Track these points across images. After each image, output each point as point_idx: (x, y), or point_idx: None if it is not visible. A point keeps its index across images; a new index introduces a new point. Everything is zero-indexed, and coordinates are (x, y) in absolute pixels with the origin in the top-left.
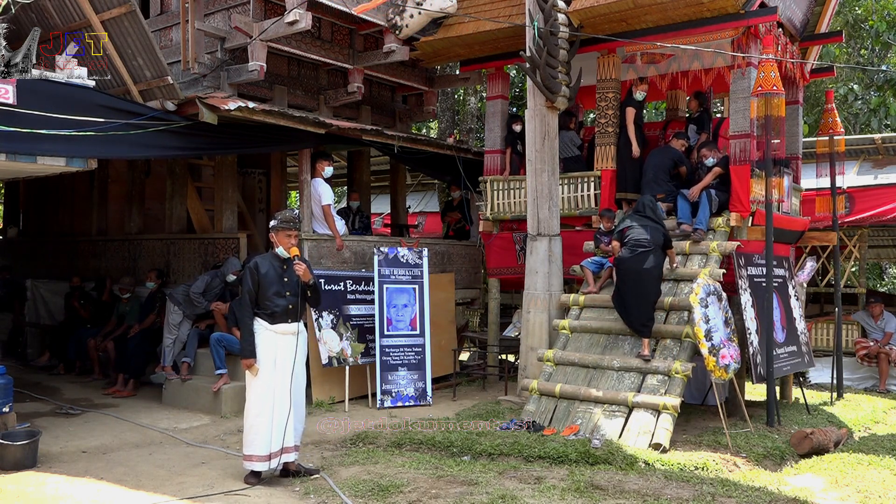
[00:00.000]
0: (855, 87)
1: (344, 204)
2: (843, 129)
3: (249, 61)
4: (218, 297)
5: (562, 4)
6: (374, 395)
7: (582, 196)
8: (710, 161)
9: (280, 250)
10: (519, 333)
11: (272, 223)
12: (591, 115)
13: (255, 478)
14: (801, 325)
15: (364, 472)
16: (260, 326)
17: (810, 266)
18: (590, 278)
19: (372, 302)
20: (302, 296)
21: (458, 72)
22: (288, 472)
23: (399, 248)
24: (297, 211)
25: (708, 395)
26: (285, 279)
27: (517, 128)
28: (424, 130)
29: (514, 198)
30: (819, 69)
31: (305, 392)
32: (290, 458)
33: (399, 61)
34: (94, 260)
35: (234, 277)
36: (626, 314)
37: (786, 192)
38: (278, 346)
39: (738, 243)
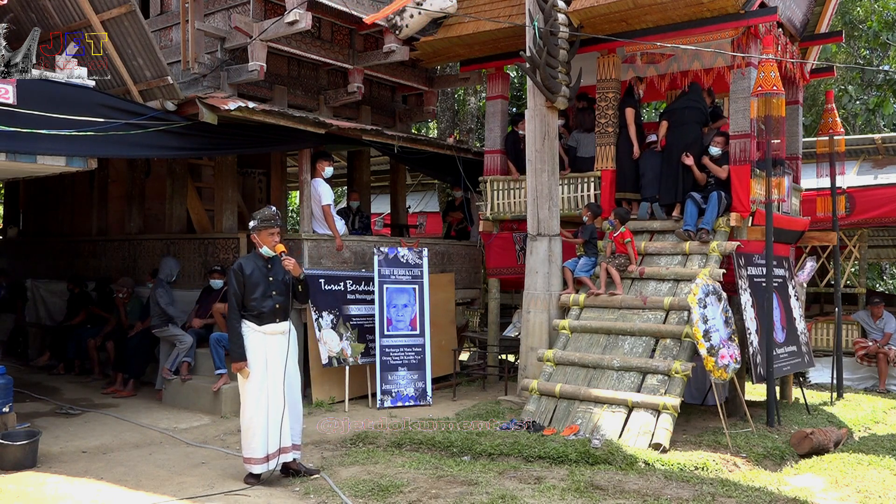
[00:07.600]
0: (850, 87)
1: (344, 204)
2: (843, 129)
3: (249, 61)
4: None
5: (562, 4)
6: (374, 395)
7: (582, 196)
8: (714, 150)
9: (265, 250)
10: (519, 333)
11: (251, 224)
12: None
13: (254, 478)
14: (801, 325)
15: (364, 472)
16: (248, 328)
17: (810, 266)
18: (569, 278)
19: (372, 302)
20: (290, 294)
21: (458, 72)
22: (288, 472)
23: (399, 248)
24: (273, 207)
25: (708, 395)
26: (270, 279)
27: (522, 131)
28: (424, 130)
29: (514, 198)
30: (819, 69)
31: (305, 392)
32: (288, 457)
33: (399, 61)
34: (94, 260)
35: (173, 276)
36: (658, 188)
37: (786, 192)
38: (268, 346)
39: (738, 243)
